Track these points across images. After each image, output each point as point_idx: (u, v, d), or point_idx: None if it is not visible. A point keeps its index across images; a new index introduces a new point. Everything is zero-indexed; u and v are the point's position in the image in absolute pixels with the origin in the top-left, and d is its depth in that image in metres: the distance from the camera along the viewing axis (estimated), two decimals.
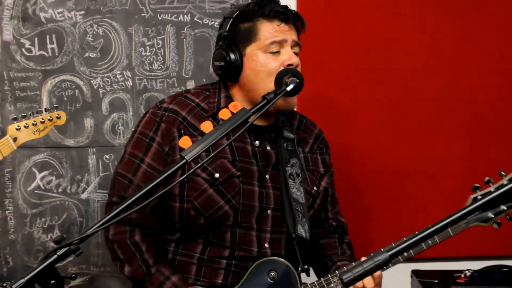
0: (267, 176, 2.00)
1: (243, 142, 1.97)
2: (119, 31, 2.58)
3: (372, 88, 2.79)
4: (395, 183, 2.83)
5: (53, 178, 2.59)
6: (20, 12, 2.49)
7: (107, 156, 2.61)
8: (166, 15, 2.62)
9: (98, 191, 2.61)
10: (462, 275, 2.57)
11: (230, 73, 1.95)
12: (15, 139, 2.12)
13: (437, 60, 2.79)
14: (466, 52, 2.79)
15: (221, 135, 1.41)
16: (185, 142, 1.41)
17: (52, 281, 1.42)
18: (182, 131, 1.95)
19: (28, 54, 2.53)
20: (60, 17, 2.53)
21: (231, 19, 1.94)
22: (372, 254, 1.34)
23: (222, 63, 1.93)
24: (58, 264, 1.41)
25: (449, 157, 2.85)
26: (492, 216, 1.72)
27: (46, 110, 2.20)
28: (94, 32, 2.57)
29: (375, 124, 2.81)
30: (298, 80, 1.78)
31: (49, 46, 2.54)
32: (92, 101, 2.60)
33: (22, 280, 1.38)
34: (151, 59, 2.63)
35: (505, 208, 1.67)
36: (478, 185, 1.75)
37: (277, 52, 1.91)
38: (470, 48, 2.80)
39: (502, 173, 1.77)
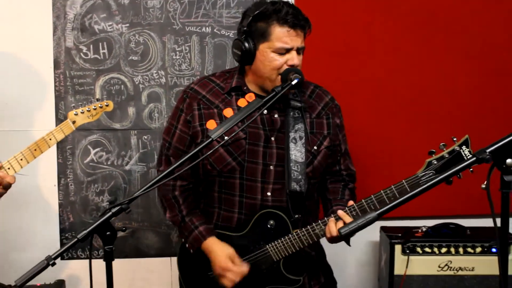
0: (273, 138, 2.18)
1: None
2: (155, 39, 3.01)
3: (361, 82, 3.15)
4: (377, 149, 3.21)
5: (104, 153, 3.05)
6: (79, 25, 2.94)
7: (145, 137, 3.06)
8: (192, 27, 3.02)
9: (139, 163, 3.07)
10: (420, 230, 2.98)
11: (245, 59, 2.13)
12: (74, 122, 2.39)
13: (402, 62, 3.16)
14: (424, 54, 3.17)
15: (237, 120, 1.76)
16: (211, 124, 1.81)
17: (108, 233, 1.65)
18: (201, 105, 2.19)
19: (85, 57, 2.97)
20: (110, 28, 2.96)
21: (251, 17, 2.08)
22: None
23: (239, 52, 2.11)
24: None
25: (413, 130, 3.22)
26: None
27: (97, 100, 2.56)
28: (136, 40, 2.99)
29: (365, 113, 3.18)
30: (300, 77, 1.99)
31: (101, 51, 2.98)
32: (134, 93, 3.01)
33: (85, 232, 1.60)
34: (180, 61, 3.04)
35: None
36: (433, 150, 2.00)
37: (284, 53, 2.07)
38: (427, 51, 3.18)
39: (454, 138, 2.01)
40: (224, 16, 3.05)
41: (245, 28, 2.10)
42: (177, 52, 3.05)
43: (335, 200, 2.28)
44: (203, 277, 2.24)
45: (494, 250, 2.89)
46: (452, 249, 2.90)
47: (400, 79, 3.20)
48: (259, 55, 2.10)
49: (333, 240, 2.07)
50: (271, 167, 2.19)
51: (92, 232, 1.62)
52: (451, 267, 2.90)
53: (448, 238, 2.95)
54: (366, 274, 3.40)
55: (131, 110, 3.06)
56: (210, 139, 1.75)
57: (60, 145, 3.00)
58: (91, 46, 2.99)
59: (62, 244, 3.07)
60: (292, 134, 2.18)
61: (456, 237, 2.97)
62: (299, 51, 2.11)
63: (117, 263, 2.78)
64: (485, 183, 1.36)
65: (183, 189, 2.27)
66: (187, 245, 2.23)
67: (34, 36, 2.95)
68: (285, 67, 2.08)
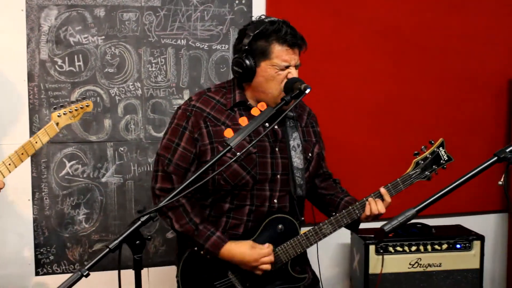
0: (277, 149, 2.30)
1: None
2: (131, 51, 3.03)
3: (335, 88, 3.32)
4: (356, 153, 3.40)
5: (79, 166, 3.03)
6: (54, 37, 2.91)
7: (122, 148, 3.07)
8: (168, 40, 3.08)
9: (115, 175, 3.07)
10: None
11: (246, 76, 2.21)
12: (57, 124, 2.41)
13: (369, 73, 3.38)
14: (390, 65, 3.41)
15: (254, 127, 1.87)
16: (228, 133, 1.85)
17: (137, 242, 1.67)
18: (208, 123, 2.23)
19: (60, 69, 2.94)
20: (85, 41, 2.96)
21: (251, 36, 2.18)
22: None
23: (240, 70, 2.21)
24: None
25: (387, 138, 3.45)
26: (428, 173, 2.28)
27: (78, 100, 2.52)
28: (112, 53, 3.00)
29: (331, 119, 3.22)
30: (309, 86, 2.09)
31: (76, 63, 2.96)
32: (110, 105, 3.02)
33: (116, 242, 1.61)
34: (156, 73, 3.08)
35: (435, 167, 2.28)
36: (417, 152, 2.29)
37: (283, 69, 2.19)
38: (393, 63, 3.42)
39: (432, 141, 2.30)
40: (199, 29, 3.13)
41: (246, 47, 2.19)
42: (153, 64, 3.09)
43: (338, 193, 2.45)
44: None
45: (458, 246, 3.12)
46: (421, 247, 3.12)
47: (370, 90, 3.42)
48: (261, 71, 2.21)
49: (369, 218, 2.29)
50: (278, 176, 2.31)
51: (122, 242, 1.63)
52: (420, 264, 3.12)
53: (417, 237, 3.16)
54: (337, 275, 3.55)
55: (107, 122, 3.07)
56: (229, 146, 1.82)
57: (35, 158, 2.96)
58: (66, 58, 2.97)
59: (37, 260, 3.03)
60: (291, 143, 2.32)
61: (423, 235, 3.19)
62: (296, 67, 2.24)
63: (95, 276, 2.75)
64: (502, 180, 1.56)
65: (188, 198, 2.27)
66: (202, 252, 2.24)
67: (8, 49, 2.90)
68: (285, 81, 2.20)
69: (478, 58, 3.56)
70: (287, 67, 2.19)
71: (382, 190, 2.26)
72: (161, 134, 3.08)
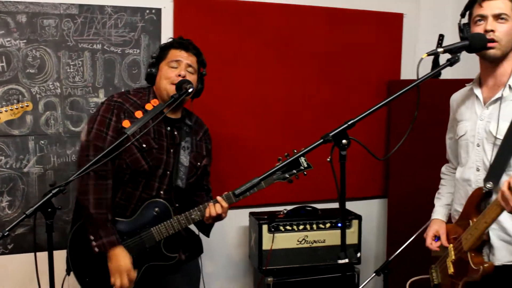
0: (172, 150, 2.70)
1: (160, 127, 2.67)
2: (51, 54, 3.31)
3: (233, 97, 3.71)
4: (241, 154, 3.76)
5: (3, 157, 3.30)
6: None
7: (42, 142, 3.36)
8: (84, 44, 3.39)
9: (36, 166, 3.35)
10: (282, 212, 3.61)
11: (150, 79, 2.74)
12: None
13: (264, 82, 3.81)
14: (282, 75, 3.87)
15: (148, 119, 2.31)
16: (126, 123, 2.33)
17: (49, 209, 2.05)
18: (126, 115, 2.60)
19: None
20: (8, 44, 3.22)
21: (159, 49, 2.74)
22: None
23: (146, 73, 2.74)
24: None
25: (268, 139, 3.83)
26: (288, 176, 2.67)
27: (19, 101, 2.82)
28: (33, 55, 3.27)
29: (234, 119, 3.72)
30: (193, 86, 2.56)
31: (0, 64, 3.24)
32: (32, 103, 3.13)
33: (32, 209, 1.96)
34: (74, 74, 3.38)
35: (295, 172, 2.66)
36: (280, 157, 2.52)
37: (176, 68, 2.65)
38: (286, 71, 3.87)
39: (294, 150, 2.33)
40: (113, 35, 3.46)
41: (153, 55, 2.75)
42: (71, 66, 3.39)
43: (201, 201, 2.79)
44: (91, 259, 2.63)
45: (339, 225, 3.60)
46: (308, 226, 3.58)
47: (260, 96, 3.85)
48: (159, 72, 2.70)
49: (210, 220, 2.65)
50: (168, 172, 2.71)
51: (36, 210, 2.00)
52: (307, 241, 3.58)
53: (304, 217, 3.62)
54: (238, 254, 3.98)
55: (28, 118, 3.34)
56: (126, 134, 2.25)
57: None
58: None
59: None
60: (183, 143, 2.73)
61: (310, 216, 3.65)
62: (188, 68, 2.68)
63: (16, 258, 3.06)
64: (329, 157, 1.94)
65: (112, 191, 2.60)
66: (95, 243, 2.53)
67: None
68: (175, 79, 2.63)
69: (360, 63, 4.08)
70: (178, 63, 2.63)
71: (219, 198, 2.63)
72: (78, 129, 3.44)
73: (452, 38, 4.06)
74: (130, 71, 3.54)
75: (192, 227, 2.82)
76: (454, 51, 2.19)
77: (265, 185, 2.58)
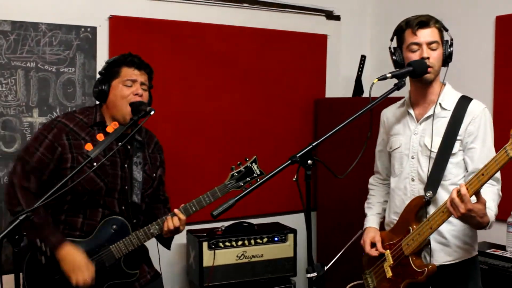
0: (126, 165, 2.67)
1: (112, 143, 2.46)
2: None
3: (176, 111, 3.77)
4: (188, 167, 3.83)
5: None
6: None
7: None
8: (18, 62, 3.30)
9: None
10: (220, 229, 3.67)
11: (101, 97, 2.65)
12: None
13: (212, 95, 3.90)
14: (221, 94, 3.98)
15: (109, 142, 2.29)
16: (88, 146, 2.26)
17: (16, 236, 1.96)
18: (70, 137, 2.56)
19: None
20: None
21: (107, 64, 2.66)
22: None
23: (97, 90, 2.64)
24: None
25: (216, 150, 3.95)
26: (242, 184, 2.71)
27: None
28: None
29: (170, 134, 3.46)
30: (151, 107, 2.54)
31: None
32: None
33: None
34: (6, 93, 3.28)
35: (249, 179, 2.71)
36: (233, 166, 2.70)
37: (130, 86, 2.61)
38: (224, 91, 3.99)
39: (246, 159, 2.72)
40: (47, 53, 3.40)
41: (102, 71, 2.67)
42: (3, 85, 3.29)
43: (160, 215, 2.77)
44: (51, 280, 2.55)
45: (276, 239, 3.74)
46: (246, 242, 3.67)
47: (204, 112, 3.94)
48: (112, 90, 2.64)
49: (169, 234, 2.66)
50: (126, 187, 2.68)
51: (3, 237, 1.94)
52: (246, 256, 3.66)
53: (242, 233, 3.70)
54: (177, 271, 3.98)
55: None
56: (90, 157, 2.24)
57: None
58: None
59: None
60: (135, 159, 2.71)
61: (248, 232, 3.74)
62: (142, 86, 2.66)
63: None
64: (295, 177, 2.02)
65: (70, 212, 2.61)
66: (41, 243, 2.49)
67: None
68: (132, 97, 2.60)
69: (289, 82, 4.27)
70: (133, 82, 2.61)
71: (176, 210, 2.66)
72: (12, 150, 3.34)
73: (371, 58, 4.41)
74: (66, 90, 3.48)
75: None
76: (400, 76, 2.40)
77: (220, 194, 2.67)
